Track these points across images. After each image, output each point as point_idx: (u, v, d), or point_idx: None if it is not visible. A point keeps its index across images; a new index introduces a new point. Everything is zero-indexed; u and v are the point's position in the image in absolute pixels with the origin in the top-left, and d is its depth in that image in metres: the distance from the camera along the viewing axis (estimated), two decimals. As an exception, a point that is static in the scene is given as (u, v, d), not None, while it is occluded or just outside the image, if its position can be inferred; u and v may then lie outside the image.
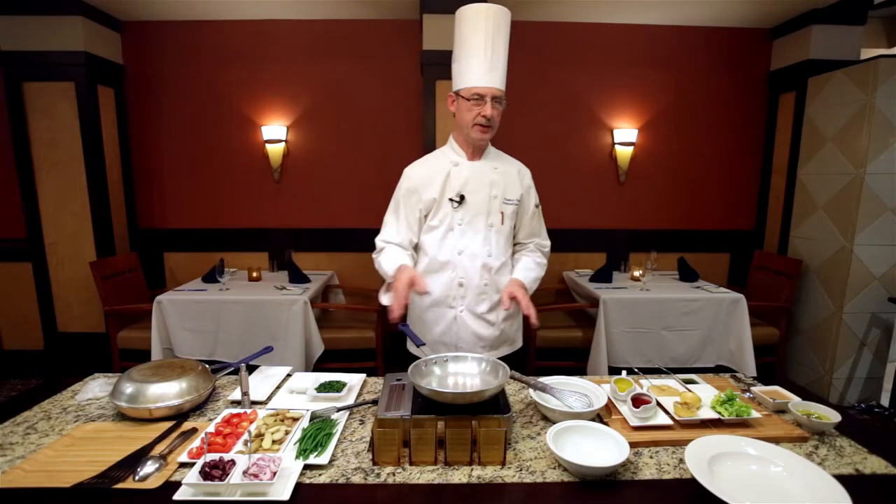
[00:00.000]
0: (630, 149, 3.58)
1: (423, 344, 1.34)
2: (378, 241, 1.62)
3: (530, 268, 1.62)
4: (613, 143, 3.61)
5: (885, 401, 2.96)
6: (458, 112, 1.53)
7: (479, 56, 1.46)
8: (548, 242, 1.74)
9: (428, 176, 1.56)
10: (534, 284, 1.61)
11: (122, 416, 1.19)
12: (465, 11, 1.49)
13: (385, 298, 1.54)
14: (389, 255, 1.56)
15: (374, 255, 1.62)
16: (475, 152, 1.59)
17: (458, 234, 1.56)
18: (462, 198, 1.54)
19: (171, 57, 3.46)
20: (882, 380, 3.02)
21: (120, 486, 0.91)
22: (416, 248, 1.65)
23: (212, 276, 3.01)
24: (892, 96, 2.72)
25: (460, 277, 1.56)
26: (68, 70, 3.09)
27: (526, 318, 1.50)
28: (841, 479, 0.87)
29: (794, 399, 1.23)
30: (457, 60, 1.52)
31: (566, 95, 3.56)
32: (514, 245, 1.71)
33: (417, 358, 1.25)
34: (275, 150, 3.50)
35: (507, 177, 1.60)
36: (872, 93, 2.74)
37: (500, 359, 1.60)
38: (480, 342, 1.61)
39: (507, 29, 1.51)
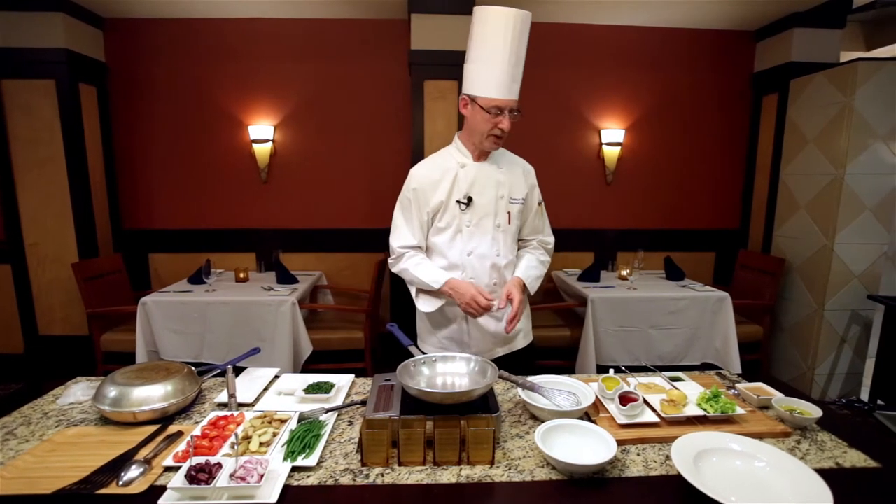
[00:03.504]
0: (617, 149, 3.61)
1: (412, 344, 1.34)
2: (395, 246, 1.58)
3: (532, 266, 1.62)
4: (601, 144, 3.64)
5: (864, 396, 3.03)
6: (473, 119, 1.48)
7: (503, 66, 1.41)
8: (551, 239, 1.73)
9: (435, 177, 1.53)
10: (535, 283, 1.60)
11: (105, 421, 1.17)
12: (489, 14, 1.41)
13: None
14: (426, 267, 1.55)
15: (391, 261, 1.61)
16: (482, 154, 1.57)
17: (467, 236, 1.55)
18: (470, 199, 1.53)
19: (155, 55, 3.40)
20: (862, 375, 3.09)
21: (103, 491, 0.89)
22: (426, 249, 1.63)
23: (198, 278, 2.97)
24: (871, 98, 2.78)
25: (470, 278, 1.56)
26: (49, 67, 3.02)
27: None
28: (822, 472, 0.89)
29: (777, 395, 1.25)
30: (474, 62, 1.45)
31: (554, 95, 3.58)
32: (518, 241, 1.69)
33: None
34: (262, 150, 3.47)
35: (513, 176, 1.59)
36: (851, 95, 2.80)
37: (515, 352, 1.64)
38: (493, 339, 1.60)
39: (527, 34, 1.44)
